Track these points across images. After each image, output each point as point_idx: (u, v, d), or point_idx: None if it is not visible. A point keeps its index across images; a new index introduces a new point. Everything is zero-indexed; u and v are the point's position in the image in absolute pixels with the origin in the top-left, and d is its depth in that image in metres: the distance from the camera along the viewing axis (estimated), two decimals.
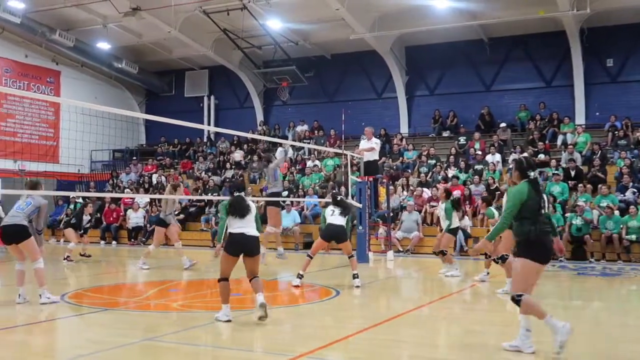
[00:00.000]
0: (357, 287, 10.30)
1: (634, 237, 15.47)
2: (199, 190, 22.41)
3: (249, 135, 21.43)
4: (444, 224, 12.05)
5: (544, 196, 6.02)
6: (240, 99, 28.13)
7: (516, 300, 5.63)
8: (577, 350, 5.85)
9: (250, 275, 7.45)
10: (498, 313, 8.72)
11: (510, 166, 18.99)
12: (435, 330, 6.98)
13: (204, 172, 24.14)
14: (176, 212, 20.97)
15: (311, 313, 8.59)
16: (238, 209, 7.37)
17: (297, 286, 10.28)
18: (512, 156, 19.90)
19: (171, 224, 13.59)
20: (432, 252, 13.17)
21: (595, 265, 14.83)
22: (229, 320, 7.20)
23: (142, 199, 21.89)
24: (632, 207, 15.88)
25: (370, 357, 5.87)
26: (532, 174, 5.72)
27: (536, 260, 5.61)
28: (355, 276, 10.41)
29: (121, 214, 22.15)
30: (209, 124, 27.32)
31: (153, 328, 7.23)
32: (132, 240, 21.25)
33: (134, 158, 27.24)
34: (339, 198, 11.03)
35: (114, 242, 21.63)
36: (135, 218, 21.45)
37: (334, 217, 10.55)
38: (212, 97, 28.39)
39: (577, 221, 15.89)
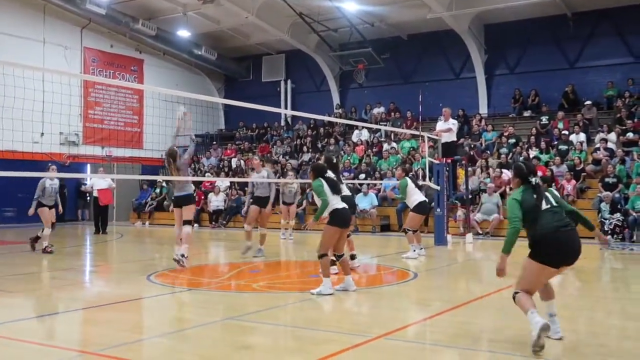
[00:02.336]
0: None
1: None
2: (277, 174, 22.67)
3: (326, 119, 21.54)
4: None
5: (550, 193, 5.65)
6: (316, 82, 28.24)
7: (513, 296, 5.56)
8: None
9: (339, 250, 8.15)
10: (581, 298, 8.44)
11: (597, 146, 18.39)
12: (516, 313, 6.81)
13: (281, 156, 24.44)
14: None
15: (389, 295, 8.57)
16: (336, 187, 8.07)
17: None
18: (600, 135, 19.13)
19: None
20: None
21: None
22: (332, 293, 7.71)
23: (223, 182, 22.39)
24: None
25: (450, 340, 5.81)
26: (533, 179, 5.64)
27: (539, 262, 5.43)
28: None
29: (202, 197, 22.74)
30: (285, 108, 27.59)
31: (234, 308, 7.41)
32: (213, 223, 21.78)
33: (214, 143, 27.88)
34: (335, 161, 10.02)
35: (195, 224, 22.19)
36: (216, 201, 21.97)
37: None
38: (289, 81, 28.63)
39: None
